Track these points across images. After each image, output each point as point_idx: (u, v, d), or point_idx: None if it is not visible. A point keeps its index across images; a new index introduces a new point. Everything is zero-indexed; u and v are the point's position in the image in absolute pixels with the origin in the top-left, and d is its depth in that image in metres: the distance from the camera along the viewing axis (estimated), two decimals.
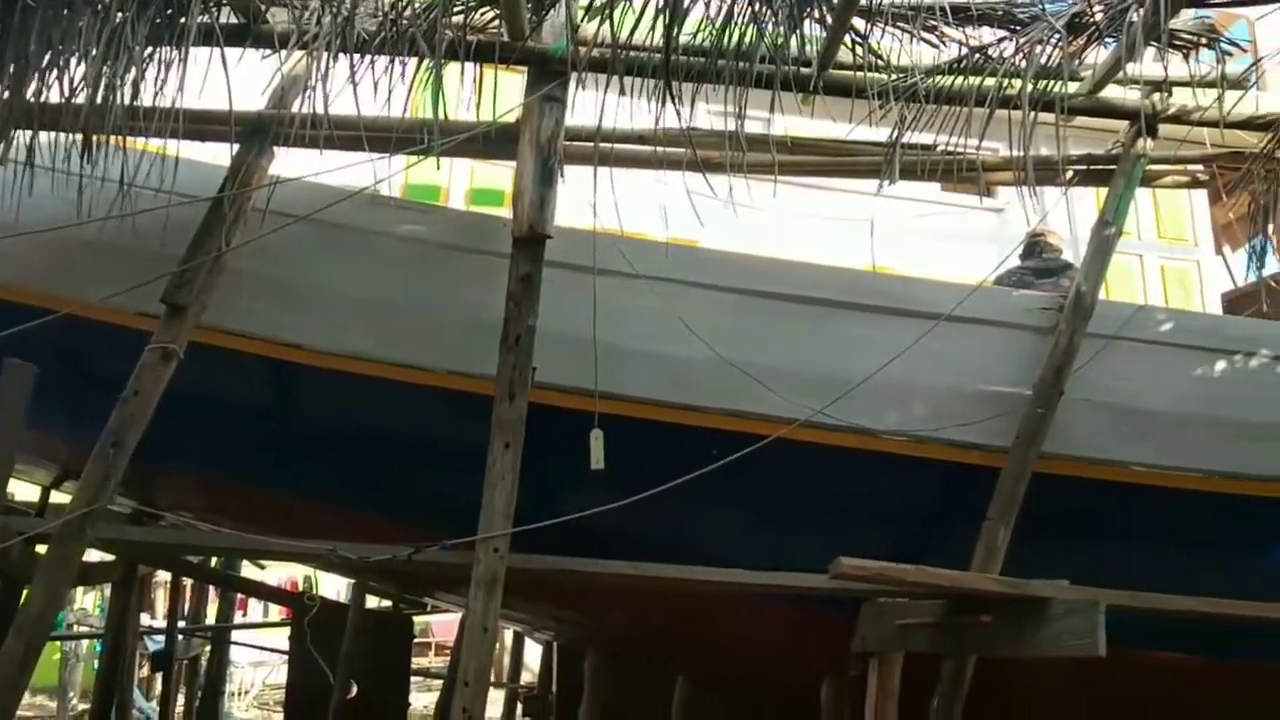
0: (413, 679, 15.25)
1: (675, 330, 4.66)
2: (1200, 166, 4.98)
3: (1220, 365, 4.87)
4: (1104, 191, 4.79)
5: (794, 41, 3.93)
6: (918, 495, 4.93)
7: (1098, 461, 4.77)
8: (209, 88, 3.76)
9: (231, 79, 3.77)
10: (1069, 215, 5.94)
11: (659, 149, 4.19)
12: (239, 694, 16.16)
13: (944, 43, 4.33)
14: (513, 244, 4.14)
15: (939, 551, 4.50)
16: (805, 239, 5.50)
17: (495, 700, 12.19)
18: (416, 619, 11.24)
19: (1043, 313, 4.77)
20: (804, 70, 4.27)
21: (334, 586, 12.43)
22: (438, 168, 4.71)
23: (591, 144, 4.13)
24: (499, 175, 6.02)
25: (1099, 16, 4.16)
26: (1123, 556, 4.79)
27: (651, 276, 4.73)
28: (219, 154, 4.32)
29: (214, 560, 8.97)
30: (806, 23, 3.99)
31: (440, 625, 15.73)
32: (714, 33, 3.86)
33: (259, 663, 15.54)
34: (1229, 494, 4.84)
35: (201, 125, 4.16)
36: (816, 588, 4.31)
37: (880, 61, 4.27)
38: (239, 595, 11.16)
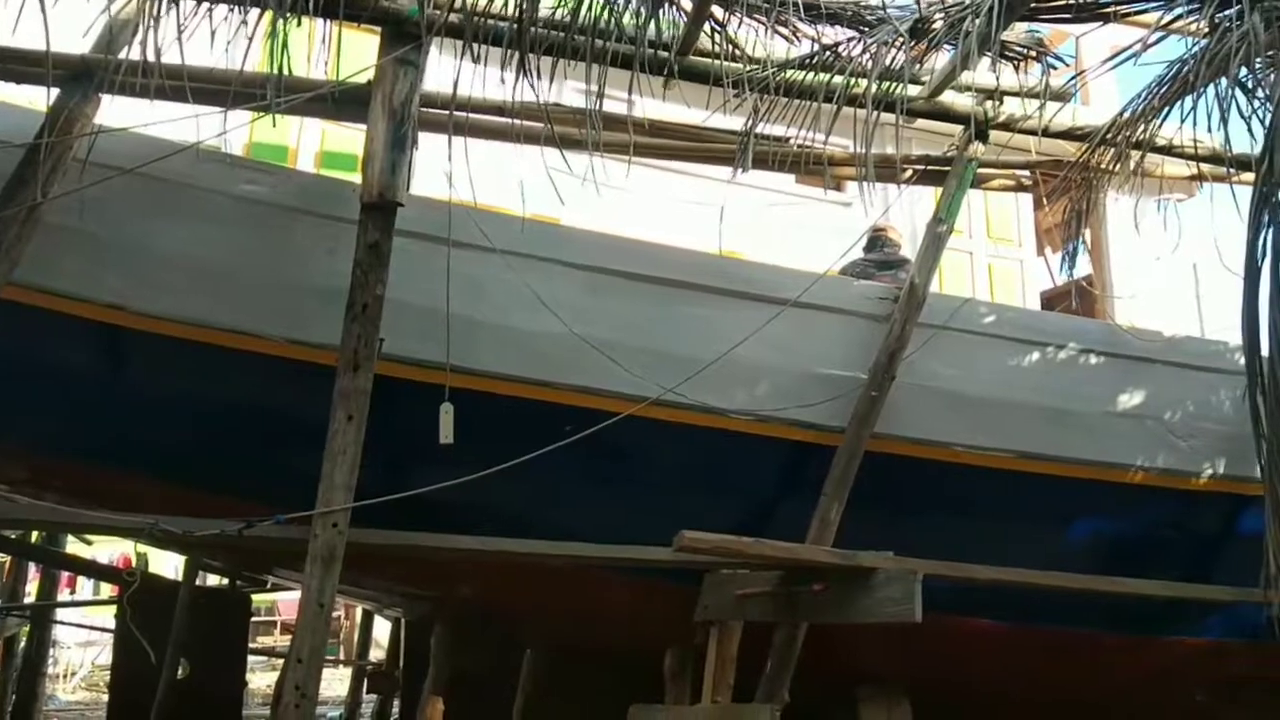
0: (256, 658, 14.79)
1: (530, 306, 4.65)
2: (1025, 172, 5.30)
3: (1035, 356, 5.22)
4: (940, 191, 5.04)
5: (654, 25, 3.96)
6: (761, 472, 5.09)
7: (924, 442, 5.03)
8: (26, 25, 3.47)
9: (52, 17, 3.47)
10: (911, 212, 6.21)
11: (516, 121, 4.14)
12: (66, 675, 15.27)
13: (797, 38, 4.45)
14: (361, 210, 4.02)
15: (778, 525, 4.69)
16: (662, 221, 5.56)
17: (343, 678, 11.92)
18: (260, 597, 10.82)
19: (880, 302, 4.99)
20: (663, 54, 4.32)
21: (172, 564, 11.84)
22: (274, 125, 4.47)
23: (448, 112, 4.05)
24: (353, 139, 5.82)
25: (939, 24, 4.37)
26: (945, 530, 5.09)
27: (508, 251, 4.69)
28: (37, 98, 4.00)
29: (34, 535, 8.36)
30: (668, 8, 4.04)
31: (287, 603, 15.23)
32: (572, 8, 3.85)
33: (88, 643, 14.71)
34: (1039, 474, 5.20)
35: (18, 66, 3.85)
36: (661, 560, 4.40)
37: (737, 51, 4.36)
38: (66, 572, 10.45)
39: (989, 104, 4.79)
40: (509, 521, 4.51)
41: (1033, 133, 4.82)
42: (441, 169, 4.08)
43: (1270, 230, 3.60)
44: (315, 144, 6.21)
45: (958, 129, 4.93)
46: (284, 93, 3.83)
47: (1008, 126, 4.85)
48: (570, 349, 4.65)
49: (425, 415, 4.35)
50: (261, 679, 13.68)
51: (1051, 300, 6.72)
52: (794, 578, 4.55)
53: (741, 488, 5.09)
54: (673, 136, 4.89)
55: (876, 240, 5.63)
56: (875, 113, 4.35)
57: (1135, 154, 4.82)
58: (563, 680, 5.67)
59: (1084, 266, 6.72)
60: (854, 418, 4.75)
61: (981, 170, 5.03)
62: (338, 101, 4.15)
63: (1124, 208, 5.58)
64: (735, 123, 4.65)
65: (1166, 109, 4.60)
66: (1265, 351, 3.87)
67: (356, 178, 4.31)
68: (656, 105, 4.60)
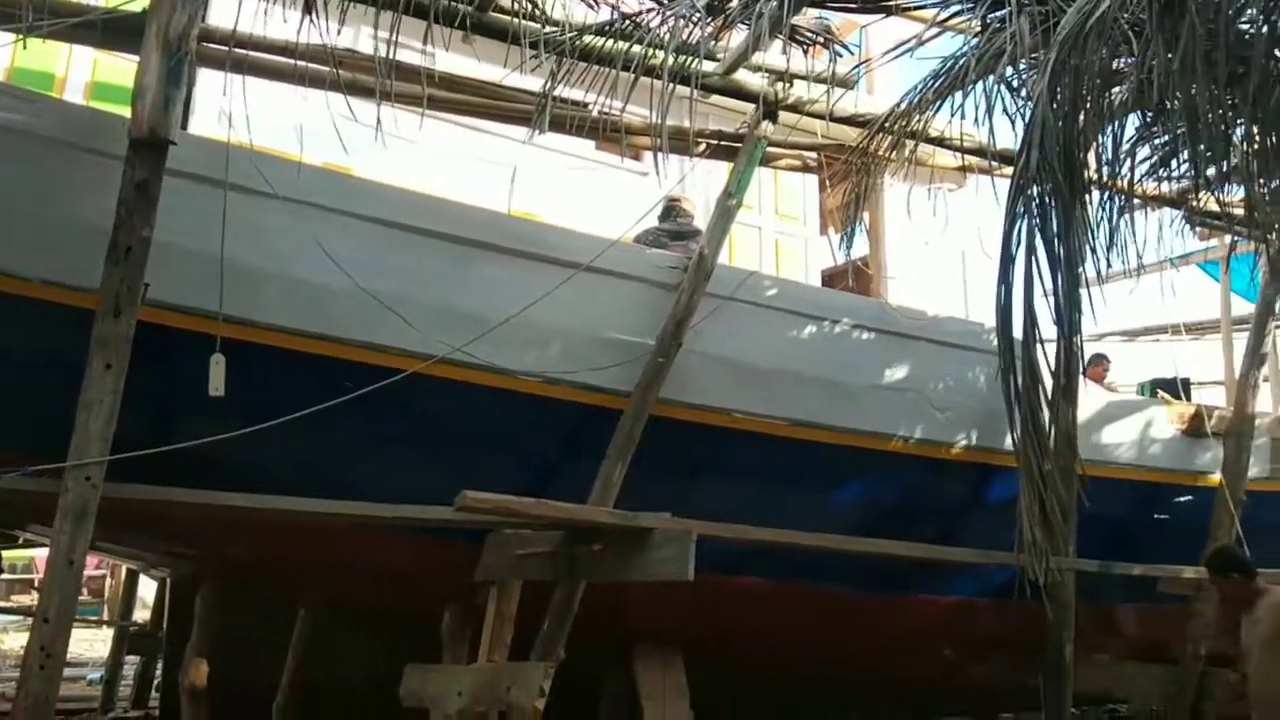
0: (9, 618, 13.66)
1: (313, 257, 4.48)
2: (812, 154, 5.55)
3: (812, 329, 5.52)
4: (732, 166, 5.20)
5: None
6: (548, 433, 5.13)
7: (706, 408, 5.22)
8: None
9: None
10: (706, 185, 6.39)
11: (301, 64, 3.97)
12: None
13: (597, 4, 4.47)
14: (129, 146, 3.74)
15: (564, 486, 4.75)
16: (457, 179, 5.48)
17: (105, 639, 11.21)
18: (15, 553, 9.97)
19: (670, 271, 5.12)
20: (462, 6, 4.23)
21: None
22: (24, 47, 4.09)
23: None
24: (130, 72, 5.41)
25: (735, 3, 4.50)
26: (723, 492, 5.31)
27: (291, 198, 4.50)
28: None
29: None
30: None
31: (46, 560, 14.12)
32: None
33: None
34: (811, 440, 5.51)
35: None
36: (441, 520, 4.37)
37: (537, 11, 4.33)
38: None
39: (779, 85, 4.98)
40: (287, 479, 4.36)
41: (819, 116, 5.05)
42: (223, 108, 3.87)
43: (1024, 220, 3.93)
44: (86, 74, 5.72)
45: (750, 107, 5.10)
46: (46, 16, 3.50)
47: (796, 109, 5.06)
48: (354, 303, 4.53)
49: (195, 366, 4.13)
50: (16, 639, 12.72)
51: (832, 278, 7.09)
52: (575, 538, 4.64)
53: (529, 449, 5.12)
54: (469, 93, 4.81)
55: (671, 210, 5.76)
56: (671, 85, 4.44)
57: (910, 143, 5.13)
58: (337, 640, 5.55)
59: (863, 247, 7.16)
60: (640, 383, 4.86)
61: (771, 149, 5.23)
62: (108, 29, 3.83)
63: (901, 194, 5.97)
64: (534, 84, 4.63)
65: (940, 102, 4.92)
66: (1017, 333, 4.24)
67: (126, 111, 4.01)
68: (453, 59, 4.52)
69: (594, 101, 4.60)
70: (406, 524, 4.62)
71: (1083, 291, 5.34)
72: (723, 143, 5.22)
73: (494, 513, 4.28)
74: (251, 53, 4.01)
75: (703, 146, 5.15)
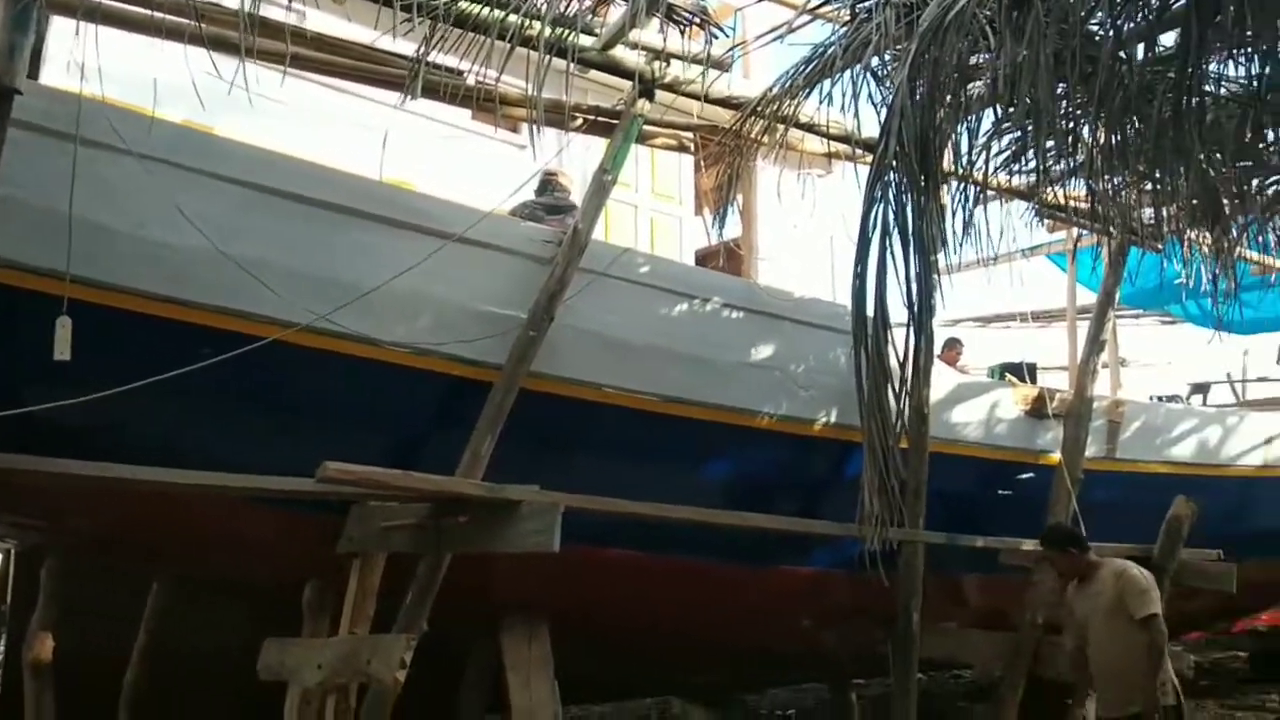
0: None
1: (169, 217, 4.29)
2: (688, 134, 5.60)
3: (683, 307, 5.59)
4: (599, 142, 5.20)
5: None
6: (417, 405, 5.05)
7: (577, 382, 5.23)
8: None
9: None
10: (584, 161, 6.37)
11: (160, 15, 3.77)
12: None
13: None
14: None
15: (433, 458, 4.69)
16: (326, 142, 5.30)
17: None
18: None
19: (544, 244, 5.10)
20: None
21: None
22: None
23: None
24: None
25: None
26: (593, 465, 5.35)
27: (148, 156, 4.28)
28: None
29: None
30: None
31: None
32: None
33: None
34: (680, 416, 5.60)
35: None
36: (302, 491, 4.26)
37: None
38: None
39: (656, 64, 4.99)
40: (140, 448, 4.17)
41: (695, 97, 5.09)
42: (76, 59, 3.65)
43: (880, 206, 4.04)
44: None
45: (627, 84, 5.10)
46: None
47: (672, 88, 5.09)
48: (213, 267, 4.35)
49: (40, 328, 3.91)
50: None
51: (706, 258, 7.20)
52: (441, 510, 4.59)
53: (396, 420, 5.03)
54: (339, 54, 4.65)
55: (547, 184, 5.73)
56: (547, 57, 4.39)
57: (781, 127, 5.23)
58: (193, 614, 5.36)
59: (737, 229, 7.28)
60: (511, 355, 4.84)
61: (647, 127, 5.24)
62: None
63: (773, 177, 6.08)
64: (407, 48, 4.51)
65: (809, 89, 5.02)
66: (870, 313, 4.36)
67: None
68: (323, 18, 4.37)
69: (469, 70, 4.52)
70: (266, 495, 4.49)
71: (937, 278, 5.61)
72: (600, 118, 5.21)
73: (357, 484, 4.20)
74: (107, 1, 3.77)
75: (579, 121, 5.14)
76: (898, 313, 4.39)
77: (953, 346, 9.63)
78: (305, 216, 4.65)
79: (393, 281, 4.58)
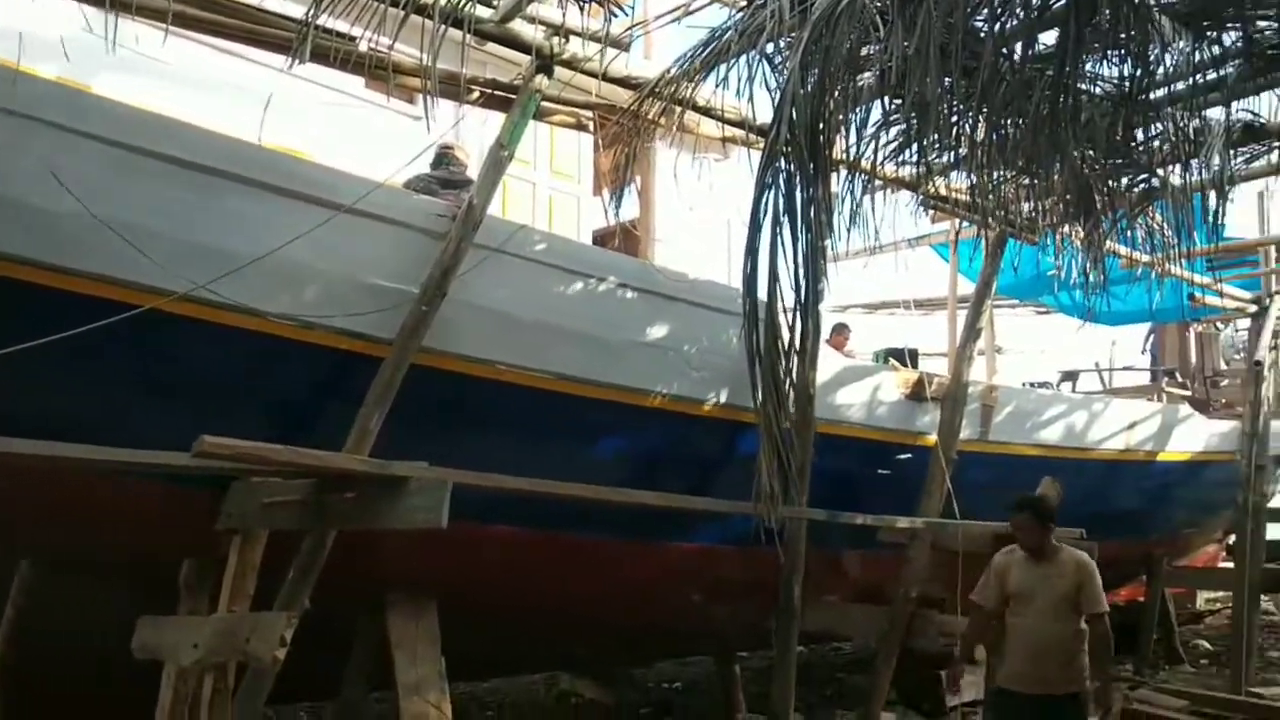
0: None
1: (38, 177, 4.01)
2: (587, 112, 5.52)
3: (579, 286, 5.53)
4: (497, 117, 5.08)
5: None
6: (303, 379, 4.88)
7: (470, 359, 5.13)
8: None
9: None
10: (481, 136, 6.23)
11: None
12: None
13: None
14: None
15: (322, 433, 4.53)
16: (209, 105, 5.04)
17: None
18: None
19: (439, 219, 4.96)
20: None
21: None
22: None
23: None
24: None
25: None
26: (486, 442, 5.26)
27: (13, 111, 4.00)
28: None
29: None
30: None
31: None
32: None
33: None
34: (574, 394, 5.55)
35: None
36: (177, 465, 4.05)
37: None
38: None
39: (555, 40, 4.90)
40: (12, 419, 3.89)
41: (593, 75, 5.02)
42: None
43: (771, 191, 4.06)
44: None
45: (526, 59, 4.99)
46: None
47: (571, 65, 5.00)
48: (85, 231, 4.08)
49: None
50: None
51: (603, 238, 7.14)
52: (326, 486, 4.45)
53: (281, 394, 4.85)
54: (224, 13, 4.41)
55: (443, 158, 5.58)
56: (443, 26, 4.26)
57: (678, 109, 5.20)
58: (64, 593, 5.06)
59: (636, 210, 7.25)
60: (402, 330, 4.70)
61: (545, 104, 5.15)
62: None
63: (672, 159, 6.06)
64: (296, 10, 4.31)
65: (706, 72, 5.00)
66: (763, 297, 4.39)
67: None
68: None
69: (362, 35, 4.35)
70: (137, 469, 4.26)
71: (826, 264, 5.69)
72: (497, 92, 5.08)
73: (235, 459, 4.01)
74: None
75: (476, 94, 5.01)
76: (788, 296, 4.45)
77: (841, 331, 9.85)
78: (186, 181, 4.40)
79: (278, 251, 4.38)
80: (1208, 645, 11.00)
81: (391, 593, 5.14)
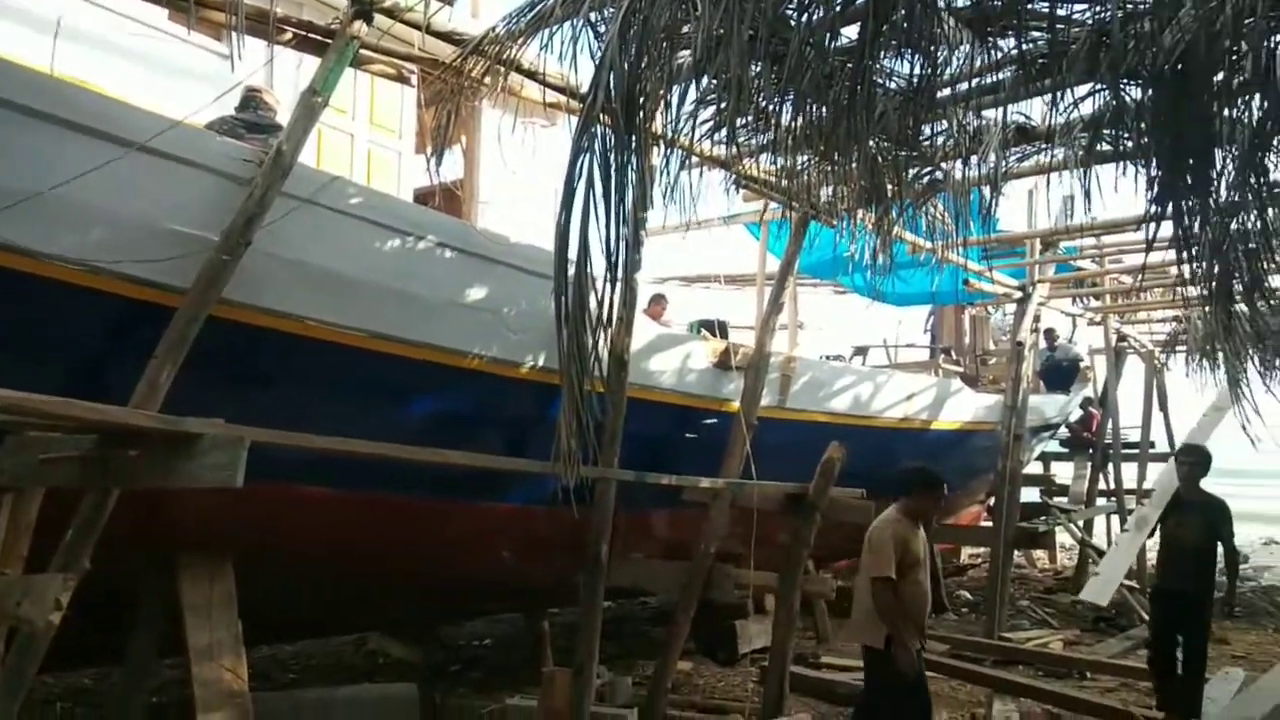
0: None
1: None
2: (408, 65, 5.26)
3: (395, 242, 5.29)
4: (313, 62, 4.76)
5: None
6: (86, 327, 4.43)
7: (277, 313, 4.82)
8: None
9: None
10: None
11: None
12: None
13: None
14: None
15: (110, 386, 4.14)
16: None
17: None
18: None
19: (243, 164, 4.60)
20: None
21: None
22: None
23: None
24: None
25: None
26: (294, 399, 4.97)
27: None
28: None
29: None
30: None
31: None
32: None
33: None
34: (388, 353, 5.33)
35: None
36: None
37: None
38: None
39: None
40: None
41: (415, 26, 4.79)
42: None
43: (587, 156, 3.98)
44: None
45: (344, 2, 4.69)
46: None
47: (391, 13, 4.74)
48: None
49: None
50: None
51: (426, 197, 6.89)
52: (111, 442, 4.07)
53: (62, 344, 4.39)
54: None
55: (251, 101, 5.19)
56: None
57: (502, 70, 5.04)
58: None
59: (461, 171, 7.03)
60: (200, 280, 4.34)
61: (364, 52, 4.86)
62: None
63: (497, 122, 5.88)
64: None
65: (531, 34, 4.86)
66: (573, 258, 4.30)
67: None
68: None
69: None
70: None
71: (642, 235, 5.71)
72: (312, 35, 4.75)
73: (4, 410, 3.60)
74: None
75: (289, 35, 4.66)
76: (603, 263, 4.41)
77: (658, 302, 9.99)
78: None
79: (59, 189, 3.95)
80: (968, 595, 11.97)
81: (185, 554, 4.79)
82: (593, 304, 3.74)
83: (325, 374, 5.14)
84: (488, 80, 5.15)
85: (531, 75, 5.32)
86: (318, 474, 5.16)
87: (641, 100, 3.69)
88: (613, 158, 3.51)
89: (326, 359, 5.07)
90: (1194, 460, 6.77)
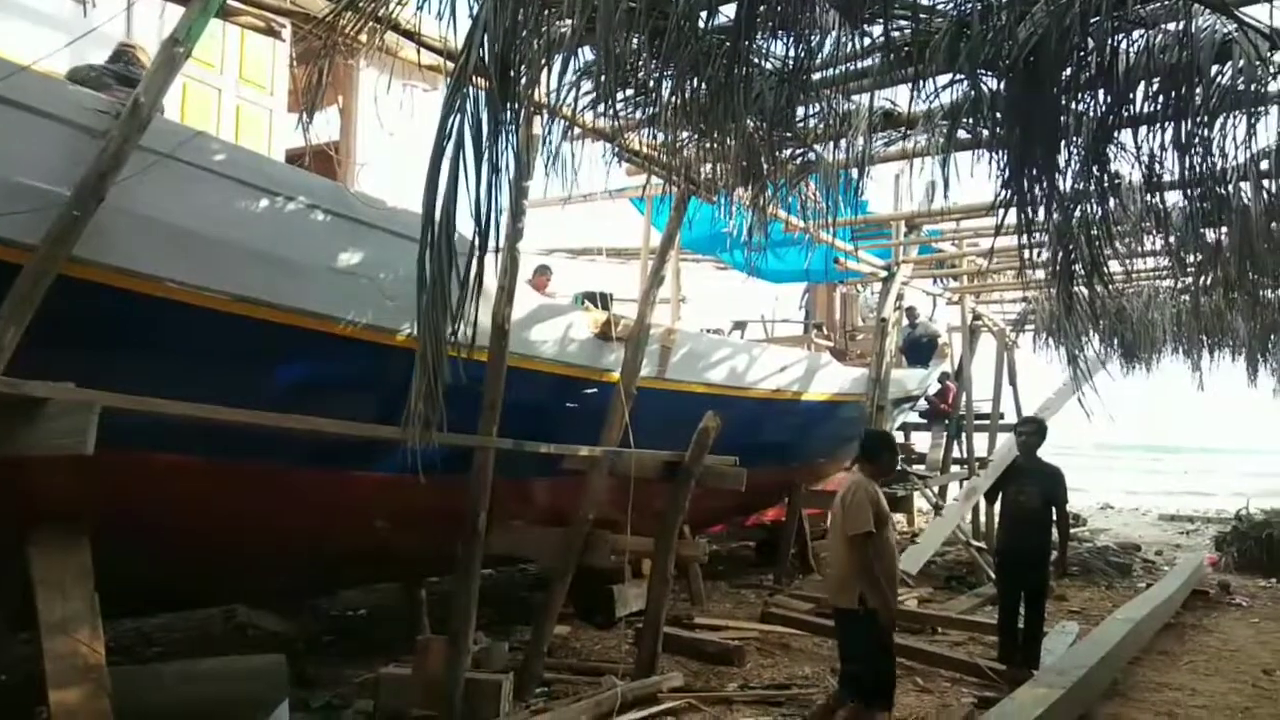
0: None
1: None
2: (280, 19, 4.98)
3: (264, 203, 5.01)
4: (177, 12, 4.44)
5: None
6: None
7: (133, 273, 4.51)
8: None
9: None
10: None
11: None
12: None
13: None
14: None
15: None
16: None
17: None
18: None
19: (99, 115, 4.26)
20: None
21: None
22: None
23: None
24: None
25: None
26: (154, 364, 4.67)
27: None
28: None
29: None
30: None
31: None
32: None
33: None
34: (255, 318, 5.06)
35: None
36: None
37: None
38: None
39: None
40: None
41: None
42: None
43: (459, 117, 3.84)
44: None
45: None
46: None
47: None
48: None
49: None
50: None
51: (299, 158, 6.57)
52: None
53: None
54: None
55: (123, 55, 4.82)
56: None
57: (379, 28, 4.81)
58: None
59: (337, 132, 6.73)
60: (48, 237, 4.01)
61: (232, 3, 4.57)
62: None
63: (375, 82, 5.65)
64: None
65: None
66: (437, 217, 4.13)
67: None
68: None
69: None
70: None
71: (525, 204, 5.60)
72: None
73: None
74: None
75: None
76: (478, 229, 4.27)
77: (543, 273, 9.88)
78: None
79: None
80: None
81: (35, 525, 4.45)
82: (465, 269, 3.63)
83: (186, 337, 4.85)
84: (363, 38, 4.92)
85: (409, 35, 5.11)
86: (181, 442, 4.88)
87: (519, 63, 3.57)
88: (486, 120, 3.40)
89: (187, 322, 4.78)
90: (1031, 431, 7.19)
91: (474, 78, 3.46)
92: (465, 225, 4.25)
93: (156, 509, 5.02)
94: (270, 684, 5.46)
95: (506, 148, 3.63)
